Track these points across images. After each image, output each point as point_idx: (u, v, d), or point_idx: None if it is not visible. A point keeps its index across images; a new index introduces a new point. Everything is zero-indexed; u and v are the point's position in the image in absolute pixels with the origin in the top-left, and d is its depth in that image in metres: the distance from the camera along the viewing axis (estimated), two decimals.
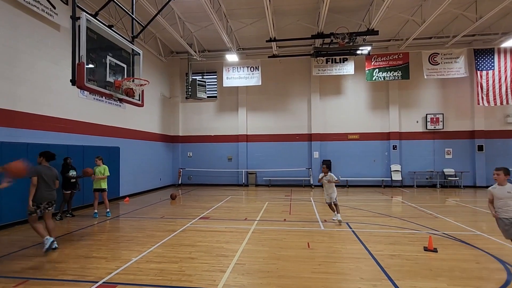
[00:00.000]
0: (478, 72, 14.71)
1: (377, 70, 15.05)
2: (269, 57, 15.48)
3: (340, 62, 15.29)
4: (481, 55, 14.65)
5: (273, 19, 12.38)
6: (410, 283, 4.09)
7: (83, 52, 5.35)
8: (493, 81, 14.54)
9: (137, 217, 8.75)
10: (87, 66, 5.52)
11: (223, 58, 15.91)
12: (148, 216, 8.93)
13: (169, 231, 6.96)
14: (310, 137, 16.92)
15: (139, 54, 7.23)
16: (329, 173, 7.94)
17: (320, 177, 8.06)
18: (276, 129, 17.24)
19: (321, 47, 14.16)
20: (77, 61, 5.34)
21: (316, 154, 16.69)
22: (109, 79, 6.27)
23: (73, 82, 5.33)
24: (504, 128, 15.56)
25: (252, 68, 16.05)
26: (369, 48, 13.08)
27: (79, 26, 5.37)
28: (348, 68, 15.25)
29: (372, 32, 12.09)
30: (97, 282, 4.19)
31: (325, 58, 15.04)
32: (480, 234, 6.58)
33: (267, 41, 13.67)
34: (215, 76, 17.87)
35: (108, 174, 8.92)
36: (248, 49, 16.77)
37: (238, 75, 16.15)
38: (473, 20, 12.25)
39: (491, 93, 14.53)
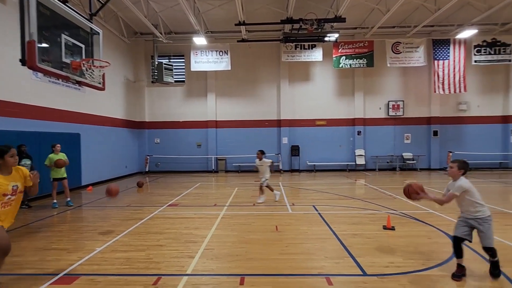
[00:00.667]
0: (435, 61, 15.62)
1: (343, 57, 15.43)
2: (238, 41, 15.22)
3: (309, 49, 15.44)
4: (439, 45, 15.54)
5: (242, 2, 12.09)
6: (369, 259, 4.37)
7: (34, 29, 4.89)
8: (448, 70, 15.54)
9: (101, 206, 8.43)
10: (39, 45, 5.08)
11: (191, 41, 15.37)
12: (113, 205, 8.62)
13: (136, 220, 6.79)
14: (279, 123, 17.11)
15: (99, 33, 6.76)
16: (263, 159, 8.54)
17: (258, 164, 8.65)
18: (245, 115, 17.19)
19: (290, 33, 14.16)
20: (26, 39, 4.87)
21: (285, 140, 16.96)
22: (66, 59, 5.83)
23: (23, 62, 4.89)
24: (457, 114, 16.83)
25: (221, 53, 15.70)
26: (336, 35, 13.32)
27: (28, 0, 4.88)
28: (316, 54, 15.46)
29: (340, 19, 12.29)
30: (57, 274, 4.01)
31: (294, 44, 15.11)
32: (432, 212, 7.16)
33: (236, 24, 13.40)
34: (183, 60, 17.27)
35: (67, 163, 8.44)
36: (217, 32, 16.32)
37: (206, 59, 15.74)
38: (432, 11, 12.86)
39: (446, 82, 15.55)
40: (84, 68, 5.99)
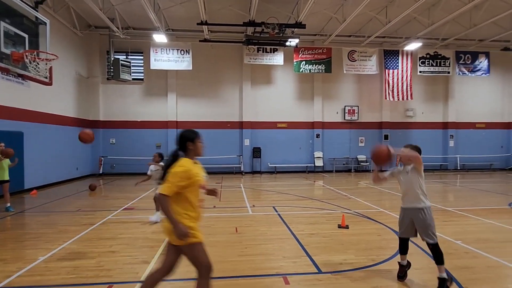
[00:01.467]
0: (386, 70, 16.81)
1: (304, 62, 15.96)
2: (200, 41, 15.00)
3: (271, 52, 15.72)
4: (389, 56, 16.76)
5: (204, 1, 11.96)
6: (325, 257, 4.55)
7: None
8: (397, 79, 16.81)
9: (47, 212, 7.75)
10: None
11: (151, 38, 14.80)
12: (60, 209, 7.98)
13: (86, 225, 6.35)
14: (241, 125, 17.14)
15: (45, 23, 6.24)
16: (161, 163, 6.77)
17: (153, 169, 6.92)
18: (207, 116, 16.96)
19: (253, 36, 14.29)
20: None
21: (247, 142, 17.04)
22: (5, 50, 5.28)
23: None
24: (405, 120, 18.26)
25: (182, 51, 15.34)
26: (297, 40, 13.71)
27: None
28: (278, 58, 15.79)
29: (300, 25, 12.71)
30: None
31: (256, 47, 15.28)
32: (382, 211, 7.66)
33: (198, 24, 13.21)
34: (142, 57, 16.56)
35: (9, 164, 7.65)
36: (178, 30, 15.92)
37: (167, 58, 15.28)
38: (384, 24, 13.84)
39: (395, 90, 16.81)
40: (27, 60, 5.48)
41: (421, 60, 16.77)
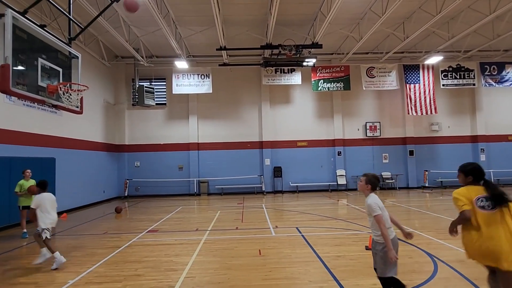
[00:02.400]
0: (407, 85, 16.51)
1: (322, 81, 16.03)
2: (219, 65, 15.50)
3: (288, 73, 15.96)
4: (409, 70, 16.52)
5: (223, 28, 12.48)
6: (353, 282, 4.35)
7: (9, 53, 4.79)
8: (419, 93, 16.44)
9: (76, 235, 7.99)
10: (14, 68, 4.95)
11: (172, 64, 15.52)
12: (88, 232, 8.21)
13: (113, 248, 6.47)
14: (261, 145, 17.22)
15: (78, 57, 6.70)
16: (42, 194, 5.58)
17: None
18: (227, 137, 17.22)
19: (270, 58, 14.64)
20: (0, 63, 4.76)
21: (267, 161, 17.03)
22: (42, 83, 5.69)
23: None
24: (430, 135, 17.64)
25: (202, 76, 15.91)
26: (314, 60, 13.87)
27: (3, 24, 4.81)
28: (295, 78, 15.98)
29: (317, 45, 12.89)
30: None
31: (274, 68, 15.58)
32: (412, 231, 7.24)
33: (217, 49, 13.71)
34: (164, 83, 17.31)
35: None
36: (198, 56, 16.61)
37: (188, 83, 15.87)
38: (402, 39, 13.76)
39: (418, 104, 16.40)
40: (61, 92, 5.87)
41: (443, 73, 16.37)
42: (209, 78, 15.86)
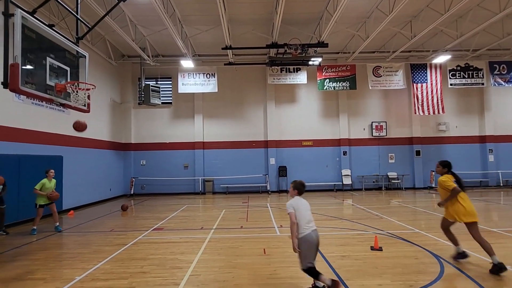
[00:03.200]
0: (414, 84, 16.35)
1: (327, 80, 15.95)
2: (225, 64, 15.53)
3: (294, 72, 15.91)
4: (416, 70, 16.35)
5: (229, 27, 12.49)
6: (358, 282, 4.33)
7: (18, 52, 4.86)
8: (427, 93, 16.27)
9: (83, 232, 8.09)
10: (23, 67, 5.03)
11: (178, 63, 15.59)
12: (95, 230, 8.30)
13: (119, 245, 6.53)
14: (266, 144, 17.21)
15: (85, 56, 6.78)
16: None
17: None
18: (233, 136, 17.25)
19: (276, 57, 14.61)
20: (10, 62, 4.83)
21: (272, 161, 17.02)
22: (50, 82, 5.76)
23: (5, 84, 4.81)
24: (437, 135, 17.45)
25: (208, 75, 15.95)
26: (319, 59, 13.81)
27: (13, 23, 4.89)
28: (301, 77, 15.93)
29: (322, 44, 12.82)
30: None
31: (279, 67, 15.55)
32: (418, 232, 7.22)
33: (223, 48, 13.74)
34: (170, 82, 17.40)
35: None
36: (204, 55, 16.65)
37: (194, 82, 15.93)
38: (409, 38, 13.62)
39: (425, 104, 16.23)
40: (69, 91, 5.94)
41: (451, 73, 16.17)
42: (214, 77, 15.90)
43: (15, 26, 4.88)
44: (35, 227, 7.90)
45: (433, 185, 16.27)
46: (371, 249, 5.83)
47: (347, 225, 8.19)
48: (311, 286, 4.11)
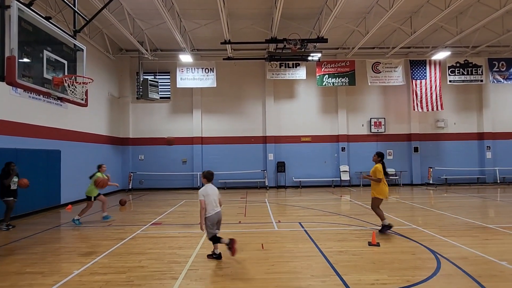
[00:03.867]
0: (413, 81, 16.32)
1: (326, 76, 15.90)
2: (224, 59, 15.43)
3: (293, 67, 15.84)
4: (416, 66, 16.31)
5: (228, 21, 12.38)
6: (355, 277, 4.36)
7: (14, 44, 4.81)
8: (426, 89, 16.25)
9: (81, 226, 8.08)
10: (20, 61, 4.98)
11: (177, 58, 15.48)
12: (93, 224, 8.30)
13: (117, 240, 6.54)
14: (265, 140, 17.21)
15: (82, 50, 6.72)
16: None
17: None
18: (231, 131, 17.22)
19: (275, 52, 14.52)
20: (7, 54, 4.78)
21: (270, 156, 17.02)
22: (47, 75, 5.71)
23: (1, 77, 4.76)
24: (435, 131, 17.48)
25: (207, 70, 15.86)
26: (319, 54, 13.74)
27: (9, 16, 4.82)
28: (300, 73, 15.86)
29: (322, 39, 12.75)
30: None
31: (278, 62, 15.47)
32: (415, 228, 7.27)
33: (221, 43, 13.63)
34: (168, 77, 17.30)
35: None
36: (202, 50, 16.54)
37: (192, 76, 15.84)
38: (409, 34, 13.56)
39: (424, 100, 16.22)
40: (66, 84, 5.89)
41: (450, 69, 16.14)
42: (213, 72, 15.81)
43: (11, 18, 4.82)
44: (78, 218, 8.24)
45: (431, 181, 16.35)
46: (369, 245, 5.86)
47: (345, 220, 8.23)
48: (210, 253, 5.28)
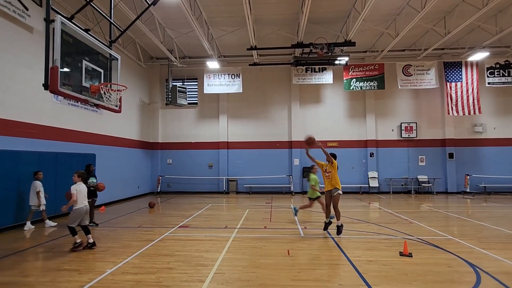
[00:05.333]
0: (448, 83, 15.54)
1: (354, 80, 15.55)
2: (250, 65, 15.61)
3: (319, 72, 15.68)
4: (450, 68, 15.52)
5: (254, 28, 12.53)
6: None
7: (57, 56, 5.17)
8: (461, 92, 15.40)
9: (113, 227, 8.45)
10: (61, 70, 5.34)
11: (204, 65, 15.88)
12: (124, 225, 8.64)
13: (147, 241, 6.76)
14: (290, 145, 17.10)
15: (117, 59, 7.08)
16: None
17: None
18: (257, 136, 17.30)
19: (301, 57, 14.45)
20: (50, 65, 5.15)
21: (296, 161, 16.87)
22: (85, 84, 6.08)
23: (45, 86, 5.13)
24: (472, 136, 16.47)
25: (233, 76, 16.11)
26: (346, 58, 13.50)
27: (53, 29, 5.20)
28: (326, 77, 15.66)
29: (349, 43, 12.52)
30: None
31: (304, 67, 15.37)
32: (451, 238, 6.86)
33: (248, 49, 13.81)
34: (196, 83, 17.77)
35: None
36: (229, 56, 16.84)
37: (219, 82, 16.15)
38: (442, 35, 12.97)
39: (459, 104, 15.37)
40: (102, 92, 6.24)
41: (489, 71, 15.19)
42: (239, 77, 16.03)
43: (55, 31, 5.19)
44: (297, 209, 9.34)
45: (468, 190, 15.37)
46: (400, 255, 5.61)
47: (374, 229, 7.95)
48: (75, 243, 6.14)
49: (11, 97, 8.28)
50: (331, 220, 7.18)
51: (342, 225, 6.98)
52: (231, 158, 17.31)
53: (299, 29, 12.36)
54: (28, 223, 8.23)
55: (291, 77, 16.19)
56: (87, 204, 6.30)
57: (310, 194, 9.07)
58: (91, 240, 6.23)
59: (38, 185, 8.18)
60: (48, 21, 5.24)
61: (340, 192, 7.08)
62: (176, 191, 17.24)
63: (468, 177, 15.40)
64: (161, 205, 12.99)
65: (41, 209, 8.26)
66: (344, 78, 15.65)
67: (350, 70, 15.54)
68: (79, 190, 6.14)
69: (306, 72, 15.68)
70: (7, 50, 8.17)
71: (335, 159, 7.37)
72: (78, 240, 6.15)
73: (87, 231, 6.27)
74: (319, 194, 8.84)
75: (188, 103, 17.16)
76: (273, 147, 17.21)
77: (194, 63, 16.88)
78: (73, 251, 6.01)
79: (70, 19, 5.64)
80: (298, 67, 15.10)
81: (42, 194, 8.23)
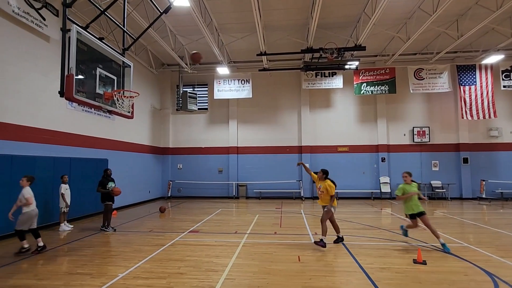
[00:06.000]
0: (461, 87, 15.24)
1: (365, 84, 15.43)
2: (259, 70, 15.69)
3: (329, 76, 15.62)
4: (464, 71, 15.23)
5: (264, 33, 12.62)
6: None
7: (73, 64, 5.32)
8: (476, 95, 15.07)
9: (125, 231, 8.54)
10: (76, 78, 5.48)
11: (214, 70, 16.04)
12: (136, 230, 8.73)
13: (158, 245, 6.80)
14: (300, 150, 17.03)
15: (130, 66, 7.23)
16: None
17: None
18: (267, 141, 17.31)
19: (311, 62, 14.46)
20: (66, 73, 5.30)
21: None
22: (99, 90, 6.23)
23: (61, 93, 5.27)
24: (487, 141, 16.05)
25: (243, 81, 16.21)
26: (357, 63, 13.43)
27: (69, 38, 5.36)
28: (337, 82, 15.58)
29: (360, 47, 12.46)
30: None
31: (314, 72, 15.35)
32: (467, 246, 6.66)
33: (257, 55, 13.89)
34: (206, 89, 17.96)
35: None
36: (239, 62, 16.98)
37: (229, 88, 16.27)
38: (455, 38, 12.77)
39: (474, 107, 15.03)
40: (115, 98, 6.37)
41: (504, 74, 14.84)
42: (249, 83, 16.12)
43: (71, 40, 5.35)
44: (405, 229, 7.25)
45: (484, 196, 14.95)
46: (414, 262, 5.48)
47: (386, 235, 7.80)
48: (35, 249, 6.24)
49: (27, 104, 8.54)
50: (338, 236, 7.00)
51: (322, 241, 6.45)
52: (241, 163, 17.34)
53: (308, 34, 12.38)
54: (62, 225, 8.56)
55: (301, 82, 16.18)
56: (36, 208, 6.31)
57: (406, 210, 6.93)
58: (41, 244, 6.30)
59: (62, 187, 8.49)
60: (65, 30, 5.40)
61: (332, 210, 6.74)
62: (186, 196, 17.34)
63: (484, 182, 14.99)
64: (171, 209, 13.08)
65: (62, 211, 8.49)
66: (355, 83, 15.55)
67: (360, 74, 15.44)
68: (32, 194, 6.22)
69: (316, 77, 15.65)
70: (24, 58, 8.45)
71: (327, 175, 6.92)
72: (26, 245, 6.20)
73: (36, 234, 6.30)
74: (421, 209, 6.67)
75: (199, 109, 17.34)
76: (283, 152, 17.17)
77: (205, 69, 17.08)
78: (17, 255, 6.05)
79: (85, 28, 5.81)
80: (308, 72, 15.10)
81: (66, 197, 8.51)
